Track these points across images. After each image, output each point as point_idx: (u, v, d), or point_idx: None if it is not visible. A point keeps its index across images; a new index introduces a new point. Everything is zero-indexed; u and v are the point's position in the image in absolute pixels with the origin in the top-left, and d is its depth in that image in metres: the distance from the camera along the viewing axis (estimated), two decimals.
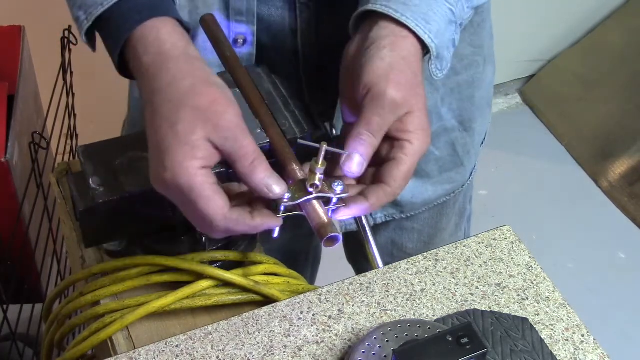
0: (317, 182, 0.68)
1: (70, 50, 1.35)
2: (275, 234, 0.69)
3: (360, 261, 1.22)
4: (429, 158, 1.01)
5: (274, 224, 0.68)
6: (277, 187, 0.67)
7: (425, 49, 0.73)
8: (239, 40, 0.88)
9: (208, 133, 0.65)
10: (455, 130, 1.01)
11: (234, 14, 0.86)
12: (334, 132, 0.83)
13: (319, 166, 0.68)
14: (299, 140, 0.71)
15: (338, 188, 0.69)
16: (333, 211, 0.70)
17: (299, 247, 1.21)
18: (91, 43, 0.74)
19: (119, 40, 0.70)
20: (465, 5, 0.77)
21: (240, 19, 0.86)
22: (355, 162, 0.69)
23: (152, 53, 0.69)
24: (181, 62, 0.69)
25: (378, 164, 0.71)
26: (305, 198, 0.68)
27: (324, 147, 0.67)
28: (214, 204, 0.65)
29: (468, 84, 0.99)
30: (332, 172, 0.72)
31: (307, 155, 0.71)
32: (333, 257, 1.49)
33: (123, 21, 0.70)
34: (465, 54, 0.96)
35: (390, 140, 0.71)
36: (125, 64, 0.72)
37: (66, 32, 1.32)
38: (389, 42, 0.72)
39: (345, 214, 0.70)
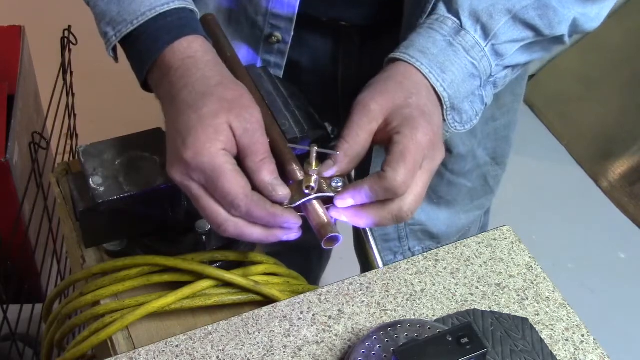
0: (312, 184, 0.68)
1: (70, 50, 1.35)
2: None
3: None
4: (461, 190, 1.03)
5: (293, 220, 0.67)
6: (281, 190, 0.67)
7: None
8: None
9: (231, 120, 0.66)
10: (488, 165, 1.02)
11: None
12: (335, 132, 0.84)
13: (313, 168, 0.68)
14: (289, 145, 0.71)
15: (338, 185, 0.69)
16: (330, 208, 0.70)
17: (312, 243, 1.22)
18: (115, 55, 0.75)
19: (148, 59, 0.71)
20: (494, 62, 0.76)
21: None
22: (323, 165, 0.70)
23: (182, 58, 0.70)
24: (211, 65, 0.70)
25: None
26: (305, 199, 0.68)
27: (315, 149, 0.68)
28: (236, 181, 0.65)
29: (504, 127, 1.01)
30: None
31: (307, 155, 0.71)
32: (333, 257, 1.49)
33: (152, 40, 0.71)
34: (505, 102, 0.97)
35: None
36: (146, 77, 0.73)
37: (66, 32, 1.32)
38: (382, 71, 0.74)
39: (340, 203, 0.69)
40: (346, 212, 0.69)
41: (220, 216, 0.66)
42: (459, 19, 0.75)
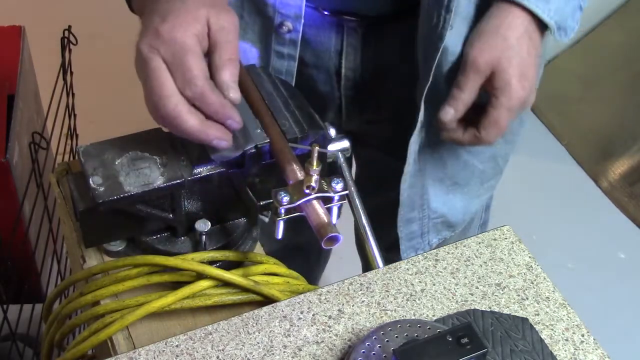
0: (313, 184, 0.68)
1: (70, 50, 1.35)
2: (279, 235, 0.69)
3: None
4: (473, 172, 1.03)
5: (237, 119, 0.69)
6: (234, 92, 0.69)
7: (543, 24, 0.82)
8: None
9: (210, 15, 0.69)
10: (499, 143, 1.03)
11: (275, 73, 0.89)
12: (335, 132, 0.84)
13: (314, 168, 0.68)
14: (290, 144, 0.71)
15: (338, 186, 0.69)
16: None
17: (311, 243, 1.22)
18: None
19: None
20: None
21: (279, 76, 0.87)
22: (442, 111, 0.82)
23: None
24: None
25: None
26: (304, 199, 0.68)
27: (316, 149, 0.68)
28: (200, 64, 0.67)
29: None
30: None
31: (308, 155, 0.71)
32: (333, 257, 1.49)
33: None
34: None
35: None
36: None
37: (66, 32, 1.32)
38: (489, 15, 0.81)
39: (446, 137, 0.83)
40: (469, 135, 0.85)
41: (168, 89, 0.67)
42: None
